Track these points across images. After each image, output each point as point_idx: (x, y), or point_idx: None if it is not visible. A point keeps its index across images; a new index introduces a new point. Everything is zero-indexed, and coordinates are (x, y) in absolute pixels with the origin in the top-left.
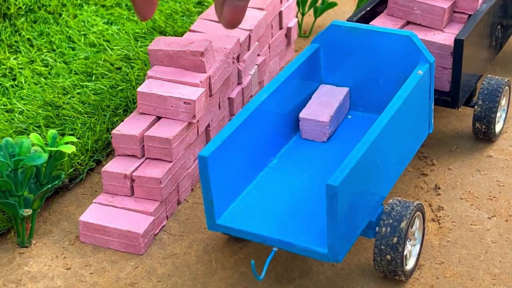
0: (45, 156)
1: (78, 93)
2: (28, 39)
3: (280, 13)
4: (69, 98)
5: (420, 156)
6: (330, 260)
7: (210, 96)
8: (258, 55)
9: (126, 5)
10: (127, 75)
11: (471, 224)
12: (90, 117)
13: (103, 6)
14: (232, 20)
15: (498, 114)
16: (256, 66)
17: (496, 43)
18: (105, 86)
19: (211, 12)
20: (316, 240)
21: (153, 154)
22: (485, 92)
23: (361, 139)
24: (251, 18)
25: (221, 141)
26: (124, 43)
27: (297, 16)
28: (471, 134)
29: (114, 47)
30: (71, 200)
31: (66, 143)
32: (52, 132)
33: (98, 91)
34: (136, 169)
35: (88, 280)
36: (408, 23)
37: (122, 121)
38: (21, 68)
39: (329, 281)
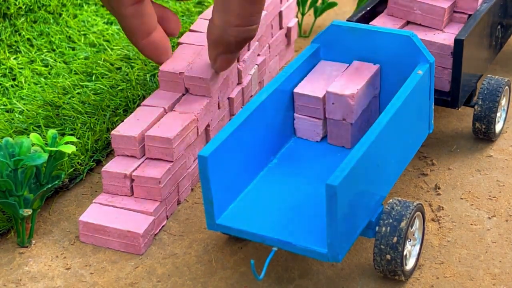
0: (45, 156)
1: (78, 93)
2: (28, 39)
3: (280, 13)
4: (69, 98)
5: (420, 156)
6: (330, 260)
7: (210, 96)
8: (258, 55)
9: None
10: (127, 75)
11: (471, 224)
12: (90, 117)
13: (103, 6)
14: (225, 68)
15: (498, 114)
16: (256, 66)
17: (496, 43)
18: (105, 86)
19: (211, 12)
20: (315, 239)
21: (154, 154)
22: (485, 92)
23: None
24: None
25: (221, 140)
26: (124, 43)
27: (297, 16)
28: (471, 134)
29: (114, 47)
30: (71, 200)
31: (66, 143)
32: (52, 132)
33: (98, 91)
34: (136, 169)
35: (88, 280)
36: (408, 23)
37: (122, 121)
38: (21, 68)
39: (329, 281)
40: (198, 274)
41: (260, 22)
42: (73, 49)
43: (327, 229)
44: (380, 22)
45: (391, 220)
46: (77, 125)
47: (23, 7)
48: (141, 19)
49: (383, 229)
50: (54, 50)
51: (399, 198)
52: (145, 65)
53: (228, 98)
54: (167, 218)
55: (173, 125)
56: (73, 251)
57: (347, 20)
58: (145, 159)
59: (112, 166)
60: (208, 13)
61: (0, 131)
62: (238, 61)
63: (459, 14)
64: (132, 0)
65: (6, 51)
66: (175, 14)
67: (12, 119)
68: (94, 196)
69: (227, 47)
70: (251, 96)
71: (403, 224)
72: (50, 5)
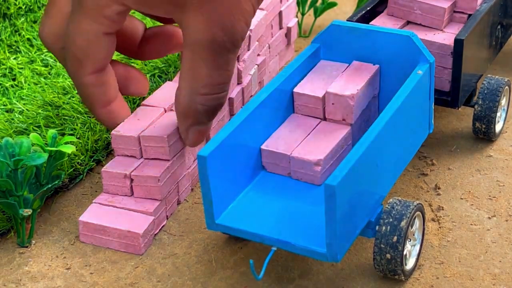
0: (45, 156)
1: (78, 93)
2: (28, 39)
3: (280, 13)
4: (69, 98)
5: (420, 156)
6: (329, 260)
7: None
8: (258, 55)
9: None
10: None
11: (471, 224)
12: (90, 117)
13: None
14: (197, 142)
15: (498, 114)
16: (256, 66)
17: (496, 43)
18: None
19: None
20: (315, 239)
21: (151, 154)
22: (485, 91)
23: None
24: None
25: (220, 140)
26: None
27: (297, 16)
28: (471, 134)
29: None
30: (71, 200)
31: (66, 143)
32: (52, 132)
33: None
34: (135, 168)
35: (88, 280)
36: (408, 23)
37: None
38: (21, 68)
39: (329, 281)
40: (198, 274)
41: (229, 89)
42: None
43: (326, 229)
44: (380, 22)
45: (391, 219)
46: (77, 125)
47: (23, 7)
48: (101, 88)
49: (383, 228)
50: None
51: (399, 198)
52: (145, 65)
53: (228, 98)
54: (167, 218)
55: (169, 124)
56: (73, 251)
57: (347, 20)
58: (145, 159)
59: (112, 166)
60: None
61: (0, 131)
62: (238, 61)
63: (459, 14)
64: (93, 69)
65: (6, 51)
66: (143, 73)
67: (12, 119)
68: (94, 196)
69: (196, 117)
70: (251, 96)
71: (403, 223)
72: None
